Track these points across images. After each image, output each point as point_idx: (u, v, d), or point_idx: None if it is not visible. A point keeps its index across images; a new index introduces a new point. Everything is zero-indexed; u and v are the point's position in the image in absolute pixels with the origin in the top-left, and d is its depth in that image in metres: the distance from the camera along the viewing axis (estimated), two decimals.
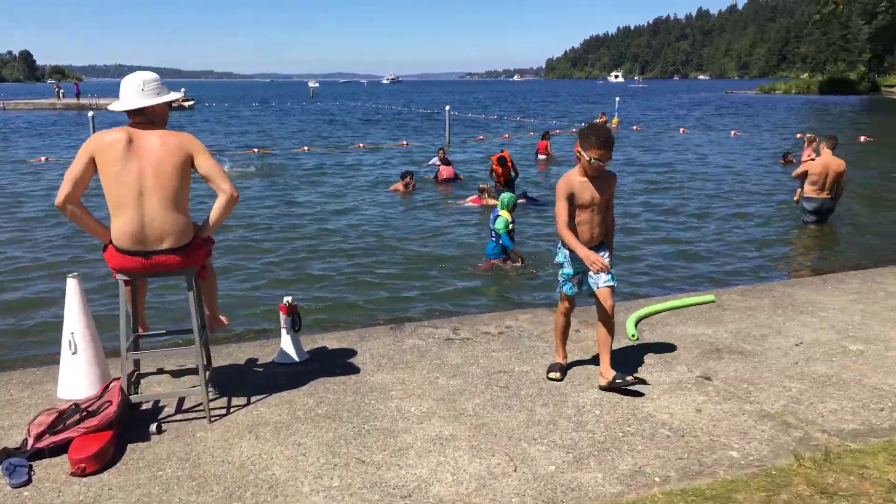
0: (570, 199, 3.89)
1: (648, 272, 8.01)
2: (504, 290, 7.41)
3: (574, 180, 3.91)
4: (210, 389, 4.03)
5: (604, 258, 3.93)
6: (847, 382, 4.00)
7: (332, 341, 5.07)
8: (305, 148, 22.18)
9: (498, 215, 8.01)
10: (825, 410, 3.65)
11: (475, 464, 3.22)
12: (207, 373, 3.99)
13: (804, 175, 9.72)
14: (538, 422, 3.64)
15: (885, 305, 5.41)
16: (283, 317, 4.62)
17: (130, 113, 3.55)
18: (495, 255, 8.08)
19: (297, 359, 4.62)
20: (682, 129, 29.49)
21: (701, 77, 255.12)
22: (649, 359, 4.48)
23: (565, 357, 4.33)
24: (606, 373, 3.98)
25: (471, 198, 12.26)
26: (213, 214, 3.66)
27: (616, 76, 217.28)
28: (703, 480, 2.99)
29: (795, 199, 10.31)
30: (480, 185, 12.37)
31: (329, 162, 18.92)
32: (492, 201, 12.14)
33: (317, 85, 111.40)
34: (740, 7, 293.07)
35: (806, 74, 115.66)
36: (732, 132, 27.80)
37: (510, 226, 8.01)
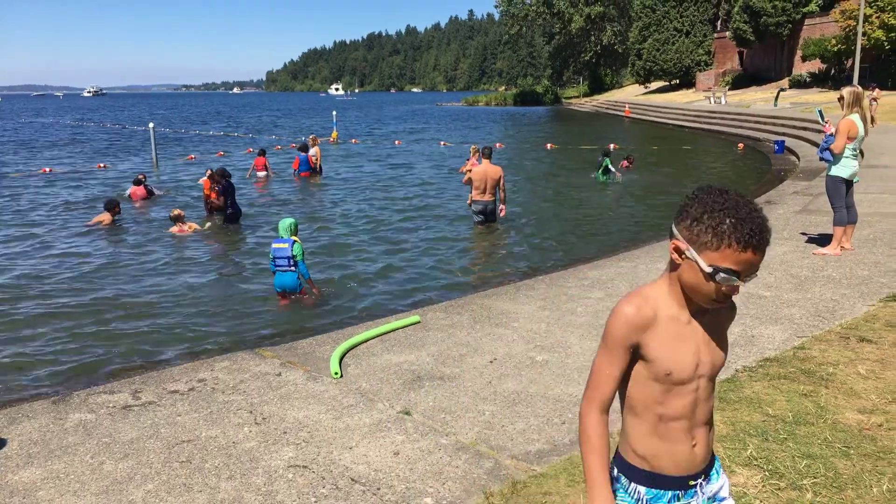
0: (638, 353, 1.70)
1: (352, 296, 7.88)
2: (214, 330, 6.75)
3: (655, 313, 1.69)
4: None
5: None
6: (533, 397, 4.15)
7: None
8: None
9: (293, 241, 7.16)
10: (514, 432, 3.72)
11: None
12: None
13: (471, 181, 11.05)
14: (220, 502, 3.17)
15: (566, 310, 5.85)
16: None
17: None
18: (297, 287, 7.38)
19: None
20: (396, 142, 30.63)
21: (415, 90, 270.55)
22: (350, 398, 4.24)
23: None
24: None
25: (174, 227, 11.19)
26: None
27: (337, 89, 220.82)
28: None
29: (468, 202, 11.49)
30: (172, 213, 11.32)
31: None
32: (194, 226, 11.23)
33: None
34: (443, 25, 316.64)
35: (502, 88, 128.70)
36: (441, 143, 29.57)
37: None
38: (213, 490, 3.28)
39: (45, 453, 3.71)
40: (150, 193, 14.79)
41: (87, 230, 11.59)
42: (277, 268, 7.31)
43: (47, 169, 20.25)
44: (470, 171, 11.27)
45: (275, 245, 7.28)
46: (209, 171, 12.83)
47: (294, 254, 7.21)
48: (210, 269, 9.16)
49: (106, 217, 11.90)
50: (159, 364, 5.73)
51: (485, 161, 11.09)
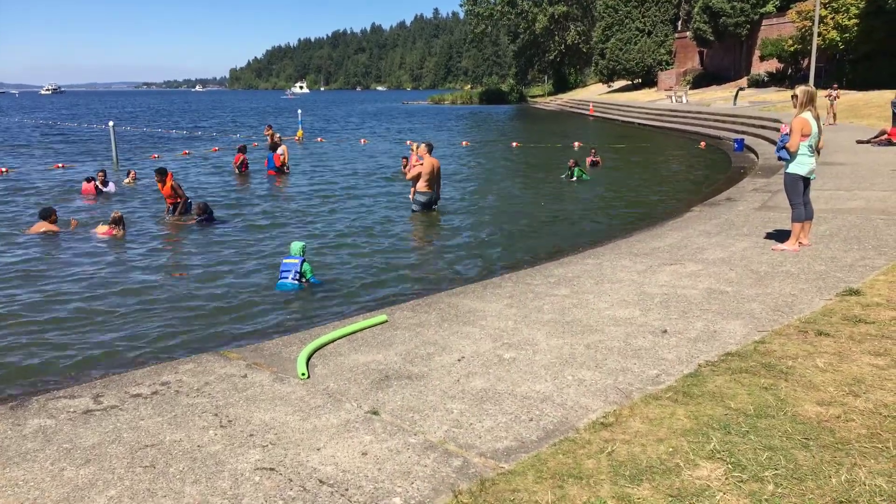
0: None
1: (318, 297, 7.83)
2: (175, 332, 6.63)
3: None
4: None
5: None
6: (501, 395, 4.17)
7: None
8: None
9: (303, 260, 7.92)
10: (482, 430, 3.73)
11: None
12: None
13: (418, 175, 11.90)
14: None
15: (533, 307, 5.89)
16: None
17: None
18: (297, 288, 7.89)
19: None
20: (362, 140, 30.50)
21: (380, 88, 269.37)
22: (318, 399, 4.21)
23: None
24: None
25: (102, 227, 10.83)
26: None
27: (301, 87, 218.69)
28: None
29: (411, 196, 12.25)
30: (113, 215, 11.03)
31: None
32: (123, 233, 10.86)
33: None
34: (408, 24, 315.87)
35: (468, 86, 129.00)
36: (408, 142, 29.50)
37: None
38: (177, 495, 3.22)
39: (3, 460, 3.61)
40: (98, 191, 14.98)
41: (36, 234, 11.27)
42: (282, 277, 7.86)
43: (4, 170, 19.70)
44: (415, 166, 12.06)
45: (285, 260, 7.94)
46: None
47: (303, 271, 7.90)
48: (173, 270, 9.01)
49: (42, 226, 11.21)
50: (121, 367, 5.62)
51: (426, 155, 11.99)
